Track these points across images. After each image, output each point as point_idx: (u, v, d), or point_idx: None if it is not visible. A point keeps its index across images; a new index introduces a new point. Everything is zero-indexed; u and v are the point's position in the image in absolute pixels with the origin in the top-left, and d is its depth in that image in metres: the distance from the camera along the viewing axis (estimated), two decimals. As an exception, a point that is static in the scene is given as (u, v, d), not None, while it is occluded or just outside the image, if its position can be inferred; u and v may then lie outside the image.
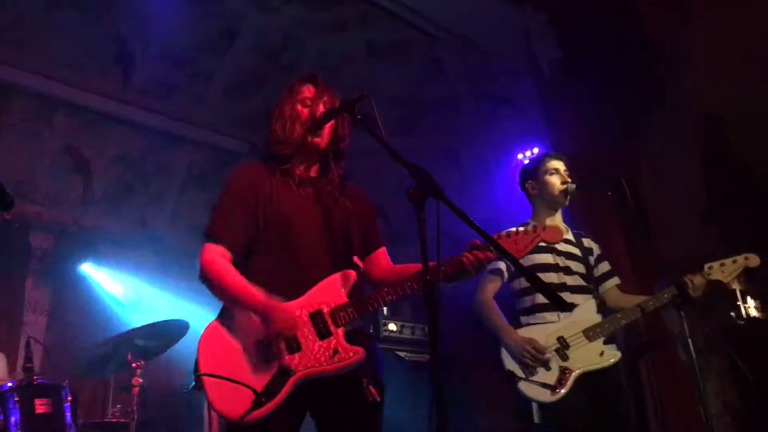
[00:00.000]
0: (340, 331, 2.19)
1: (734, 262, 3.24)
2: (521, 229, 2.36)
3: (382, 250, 2.53)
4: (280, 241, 2.31)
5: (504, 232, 2.34)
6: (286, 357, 2.13)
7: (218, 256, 2.28)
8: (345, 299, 2.24)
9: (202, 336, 2.24)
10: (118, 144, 6.24)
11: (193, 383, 2.20)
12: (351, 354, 2.16)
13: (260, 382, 2.11)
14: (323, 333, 2.18)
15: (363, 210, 2.51)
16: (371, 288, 2.41)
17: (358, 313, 2.22)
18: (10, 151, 5.50)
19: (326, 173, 2.47)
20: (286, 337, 2.14)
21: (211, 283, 2.26)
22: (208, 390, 2.14)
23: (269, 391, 2.09)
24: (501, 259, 3.16)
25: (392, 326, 5.34)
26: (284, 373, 2.11)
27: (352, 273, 2.29)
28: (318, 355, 2.15)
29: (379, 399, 2.16)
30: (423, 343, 5.42)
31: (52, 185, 6.08)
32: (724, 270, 3.23)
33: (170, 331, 4.13)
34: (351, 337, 2.21)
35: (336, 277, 2.27)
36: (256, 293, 2.19)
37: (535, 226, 2.37)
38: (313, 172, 2.48)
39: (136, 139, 6.30)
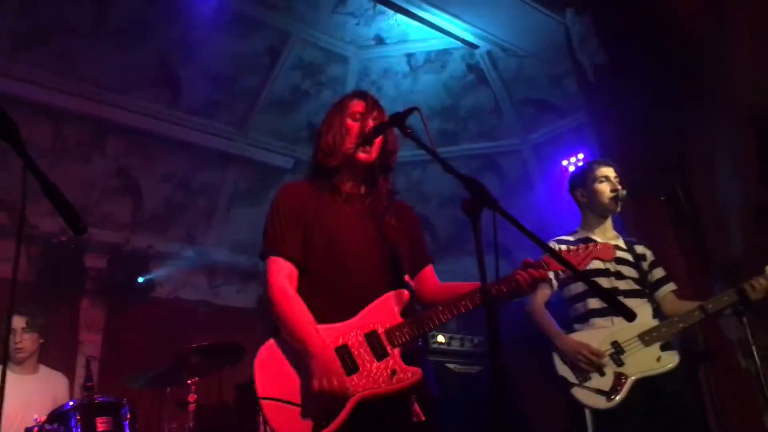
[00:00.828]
0: (397, 351, 2.18)
1: None
2: (573, 247, 2.32)
3: (430, 268, 2.52)
4: (329, 260, 2.29)
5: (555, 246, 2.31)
6: (344, 379, 2.11)
7: (287, 280, 2.25)
8: (399, 319, 2.23)
9: (257, 357, 2.21)
10: (165, 163, 6.37)
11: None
12: (410, 375, 2.15)
13: (319, 404, 2.08)
14: (380, 354, 2.17)
15: (410, 226, 2.50)
16: (420, 306, 2.38)
17: (414, 334, 2.20)
18: (64, 175, 5.65)
19: (374, 189, 2.45)
20: (326, 401, 2.06)
21: (277, 311, 2.21)
22: (267, 414, 2.10)
23: (329, 414, 2.06)
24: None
25: (441, 338, 5.31)
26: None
27: (405, 292, 2.28)
28: (376, 376, 2.13)
29: (423, 418, 2.13)
30: (472, 355, 5.40)
31: (104, 207, 6.23)
32: None
33: (225, 354, 4.15)
34: (406, 356, 2.19)
35: (389, 296, 2.25)
36: (316, 341, 2.12)
37: (588, 244, 2.33)
38: (361, 188, 2.46)
39: (183, 157, 6.42)
